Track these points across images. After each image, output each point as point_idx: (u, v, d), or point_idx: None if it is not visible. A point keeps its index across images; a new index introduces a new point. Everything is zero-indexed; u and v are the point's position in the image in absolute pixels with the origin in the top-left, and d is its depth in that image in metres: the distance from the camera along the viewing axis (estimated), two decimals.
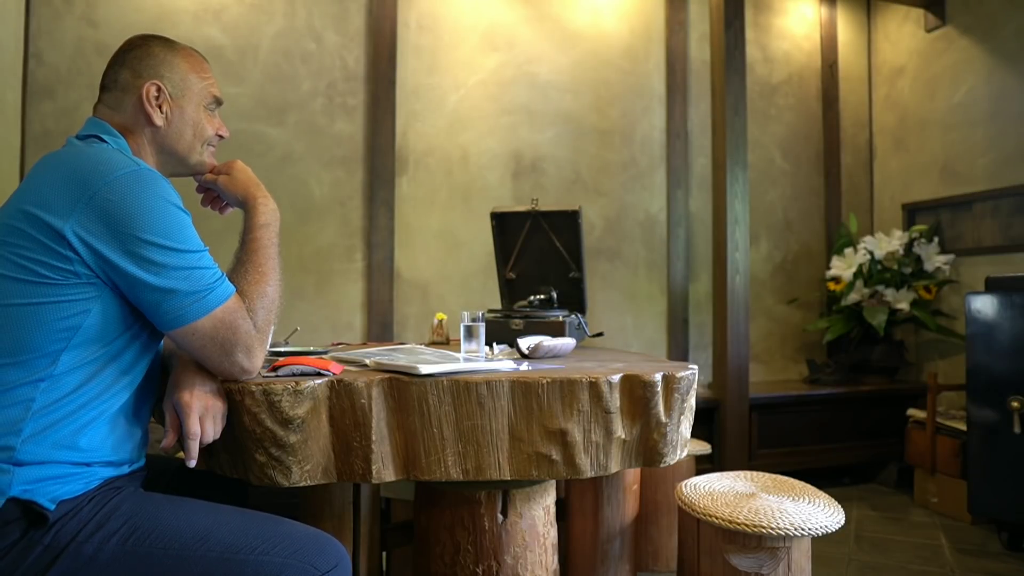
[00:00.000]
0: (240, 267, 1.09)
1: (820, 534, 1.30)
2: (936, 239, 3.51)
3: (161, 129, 1.13)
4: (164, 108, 1.12)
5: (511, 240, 2.03)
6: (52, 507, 0.91)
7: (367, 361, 1.23)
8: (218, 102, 1.22)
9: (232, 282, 1.05)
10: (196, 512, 0.98)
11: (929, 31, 3.67)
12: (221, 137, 1.22)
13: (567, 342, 1.54)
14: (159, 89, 1.11)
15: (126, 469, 1.05)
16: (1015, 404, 2.42)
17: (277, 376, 1.08)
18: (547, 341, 1.50)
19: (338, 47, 3.04)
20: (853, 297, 3.49)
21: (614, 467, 1.14)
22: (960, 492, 2.79)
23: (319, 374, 1.08)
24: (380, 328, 3.03)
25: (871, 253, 3.51)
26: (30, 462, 0.92)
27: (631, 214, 3.54)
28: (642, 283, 3.56)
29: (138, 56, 1.13)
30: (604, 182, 3.48)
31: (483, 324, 1.44)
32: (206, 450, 1.13)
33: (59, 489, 0.93)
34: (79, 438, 0.96)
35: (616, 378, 1.12)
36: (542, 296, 1.96)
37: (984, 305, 2.57)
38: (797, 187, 3.90)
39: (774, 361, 3.82)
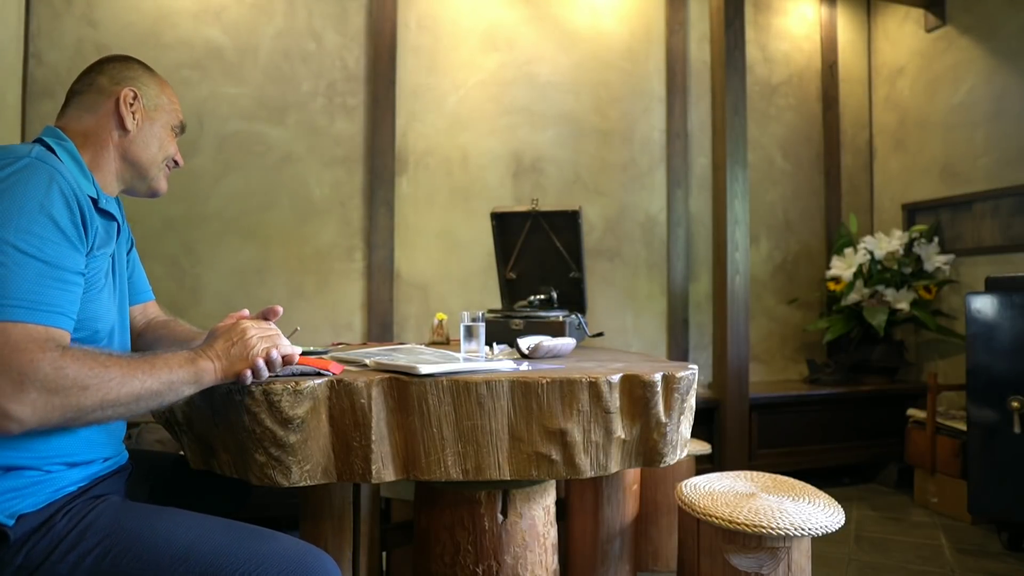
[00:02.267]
0: (138, 356, 0.93)
1: (820, 534, 1.30)
2: (936, 239, 3.51)
3: (130, 135, 1.14)
4: (137, 116, 1.14)
5: (511, 240, 2.03)
6: (11, 523, 0.87)
7: (367, 361, 1.23)
8: (182, 128, 1.26)
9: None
10: (178, 527, 0.94)
11: (929, 31, 3.67)
12: (177, 164, 1.24)
13: (567, 342, 1.54)
14: (136, 96, 1.14)
15: (98, 467, 1.01)
16: (1015, 404, 2.42)
17: (277, 376, 1.08)
18: (547, 341, 1.50)
19: (338, 47, 3.04)
20: (853, 297, 3.49)
21: (614, 467, 1.14)
22: (960, 492, 2.79)
23: (319, 374, 1.08)
24: (380, 328, 3.03)
25: (871, 253, 3.51)
26: None
27: (631, 214, 3.54)
28: (642, 283, 3.56)
29: (117, 68, 1.16)
30: (604, 182, 3.48)
31: (483, 324, 1.44)
32: (206, 449, 1.13)
33: (19, 503, 0.88)
34: (19, 439, 0.88)
35: (616, 378, 1.12)
36: (542, 296, 1.96)
37: (984, 305, 2.57)
38: (797, 187, 3.90)
39: (774, 361, 3.82)
